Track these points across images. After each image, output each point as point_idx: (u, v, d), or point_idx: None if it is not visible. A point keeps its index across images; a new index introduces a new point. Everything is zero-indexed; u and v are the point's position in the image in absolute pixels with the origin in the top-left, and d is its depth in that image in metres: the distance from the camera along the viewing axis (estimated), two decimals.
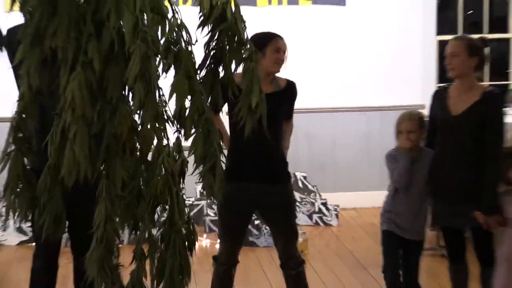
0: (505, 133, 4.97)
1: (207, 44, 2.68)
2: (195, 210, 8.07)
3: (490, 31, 9.67)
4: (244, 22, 2.57)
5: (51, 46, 2.34)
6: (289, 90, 5.36)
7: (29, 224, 7.80)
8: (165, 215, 2.60)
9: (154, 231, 2.58)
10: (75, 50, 2.29)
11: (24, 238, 8.13)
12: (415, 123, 5.14)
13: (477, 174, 4.74)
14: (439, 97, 5.07)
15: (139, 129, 2.47)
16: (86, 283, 5.61)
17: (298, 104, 5.40)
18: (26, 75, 2.38)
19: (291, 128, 5.61)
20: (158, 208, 2.58)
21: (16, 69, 3.19)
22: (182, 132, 2.54)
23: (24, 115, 2.48)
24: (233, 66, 2.71)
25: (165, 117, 2.49)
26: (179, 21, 2.52)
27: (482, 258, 4.97)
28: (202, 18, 2.58)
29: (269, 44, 4.78)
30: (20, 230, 8.19)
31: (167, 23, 2.45)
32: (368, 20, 9.04)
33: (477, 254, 5.01)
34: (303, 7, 9.00)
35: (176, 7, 2.54)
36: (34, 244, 6.14)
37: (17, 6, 2.44)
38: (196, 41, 2.58)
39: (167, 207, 2.57)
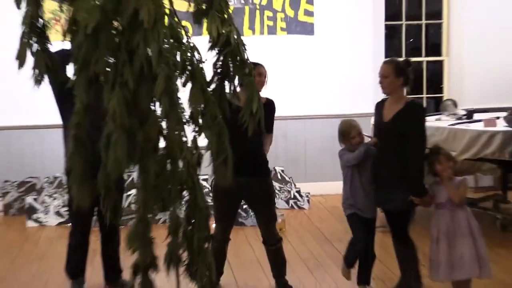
0: (425, 134, 5.01)
1: (214, 64, 2.73)
2: None
3: (427, 55, 9.73)
4: (244, 45, 2.62)
5: (94, 71, 2.39)
6: (269, 105, 5.45)
7: (66, 208, 7.83)
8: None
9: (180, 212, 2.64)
10: (113, 73, 2.34)
11: (62, 220, 8.10)
12: (359, 128, 5.37)
13: (402, 168, 4.82)
14: (378, 107, 5.19)
15: (164, 132, 2.54)
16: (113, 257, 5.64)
17: (277, 113, 5.50)
18: (78, 93, 2.42)
19: (271, 140, 5.69)
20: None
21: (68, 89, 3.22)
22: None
23: (79, 124, 2.51)
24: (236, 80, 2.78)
25: (184, 120, 2.54)
26: (192, 45, 2.57)
27: (398, 237, 5.11)
28: (211, 43, 2.63)
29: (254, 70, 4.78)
30: (58, 213, 8.15)
31: (183, 48, 2.50)
32: (331, 46, 9.05)
33: (394, 234, 5.17)
34: (280, 37, 9.02)
35: (189, 34, 2.60)
36: (69, 224, 6.15)
37: (68, 37, 2.49)
38: (206, 60, 2.64)
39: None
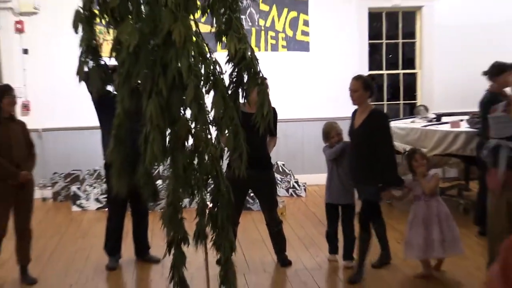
0: (391, 134, 5.07)
1: (230, 74, 2.76)
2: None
3: (403, 68, 9.75)
4: (257, 60, 2.64)
5: (135, 82, 2.44)
6: (273, 113, 5.53)
7: (104, 196, 7.89)
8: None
9: (206, 197, 2.68)
10: (150, 84, 2.38)
11: (100, 205, 8.17)
12: (339, 128, 5.54)
13: (371, 165, 4.84)
14: (353, 115, 5.15)
15: (193, 131, 2.59)
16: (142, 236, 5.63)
17: (279, 116, 5.56)
18: (121, 101, 2.47)
19: (275, 142, 5.77)
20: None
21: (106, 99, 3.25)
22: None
23: (120, 123, 2.55)
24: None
25: (209, 121, 2.59)
26: (214, 60, 2.61)
27: (364, 224, 5.04)
28: (228, 57, 2.65)
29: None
30: (97, 200, 8.21)
31: (207, 62, 2.54)
32: (324, 61, 9.06)
33: (362, 220, 5.09)
34: (281, 53, 9.07)
35: (212, 50, 2.64)
36: (107, 209, 6.21)
37: (113, 55, 2.54)
38: (225, 72, 2.68)
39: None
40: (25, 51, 8.73)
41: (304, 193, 8.67)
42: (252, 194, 7.03)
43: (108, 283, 5.55)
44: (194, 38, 2.48)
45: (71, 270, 5.88)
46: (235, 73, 2.69)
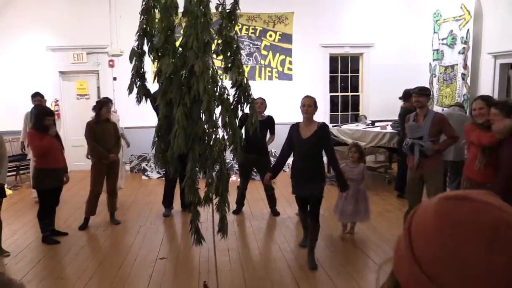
0: (332, 143, 4.53)
1: (233, 95, 2.69)
2: (231, 165, 8.01)
3: (351, 91, 9.65)
4: (249, 86, 2.59)
5: (170, 97, 2.38)
6: (270, 119, 5.64)
7: (163, 170, 7.83)
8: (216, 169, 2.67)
9: (213, 174, 2.62)
10: (179, 99, 2.33)
11: (159, 175, 8.07)
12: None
13: (316, 168, 4.04)
14: (295, 128, 4.14)
15: (206, 131, 2.53)
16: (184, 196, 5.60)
17: (277, 121, 5.47)
18: (161, 109, 2.42)
19: (273, 138, 5.77)
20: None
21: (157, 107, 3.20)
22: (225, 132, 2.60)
23: (160, 124, 2.51)
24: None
25: (218, 125, 2.53)
26: (223, 85, 2.54)
27: (314, 217, 4.13)
28: (231, 84, 2.59)
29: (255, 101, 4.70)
30: (158, 172, 8.17)
31: (218, 86, 2.48)
32: (301, 86, 8.96)
33: (311, 215, 4.17)
34: (275, 81, 8.96)
35: (221, 77, 2.57)
36: (164, 178, 6.17)
37: (156, 80, 2.49)
38: (229, 93, 2.60)
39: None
40: (114, 79, 8.76)
41: (288, 169, 8.51)
42: (255, 170, 7.01)
43: (165, 225, 5.54)
44: (210, 70, 2.43)
45: (141, 216, 5.86)
46: (237, 95, 2.61)
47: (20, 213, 6.00)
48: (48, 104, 7.57)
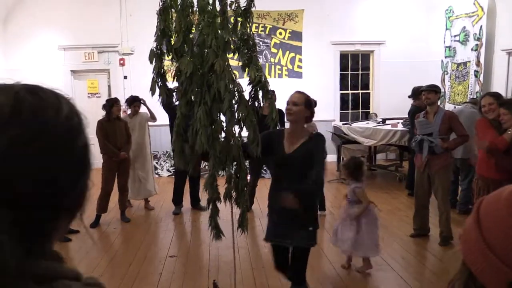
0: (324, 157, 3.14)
1: (249, 92, 2.67)
2: None
3: (362, 89, 9.59)
4: (268, 82, 2.58)
5: (190, 96, 2.39)
6: (281, 113, 5.42)
7: (172, 168, 7.86)
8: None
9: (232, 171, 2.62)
10: (200, 97, 2.34)
11: (170, 173, 8.12)
12: (315, 126, 4.93)
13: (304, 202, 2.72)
14: (276, 135, 2.89)
15: (225, 129, 2.54)
16: (195, 193, 5.60)
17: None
18: (179, 108, 2.42)
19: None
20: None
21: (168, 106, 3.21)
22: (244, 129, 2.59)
23: (179, 123, 2.51)
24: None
25: (239, 123, 2.54)
26: (240, 83, 2.54)
27: (297, 281, 3.04)
28: (249, 81, 2.58)
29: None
30: (168, 170, 8.21)
31: (235, 83, 2.47)
32: (311, 84, 8.89)
33: (293, 276, 3.08)
34: (285, 79, 8.95)
35: (238, 76, 2.57)
36: (174, 176, 6.19)
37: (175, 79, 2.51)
38: (245, 90, 2.59)
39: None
40: (125, 77, 8.82)
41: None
42: (265, 168, 7.00)
43: (174, 222, 5.56)
44: (230, 68, 2.44)
45: (152, 213, 5.90)
46: (253, 92, 2.60)
47: None
48: None
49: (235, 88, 2.42)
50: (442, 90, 7.46)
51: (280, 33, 8.92)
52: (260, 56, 8.85)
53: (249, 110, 2.41)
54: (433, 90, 4.49)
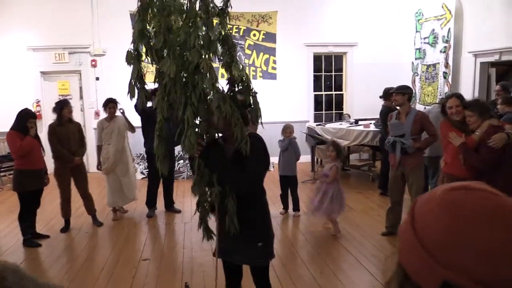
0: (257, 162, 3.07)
1: (228, 91, 2.63)
2: None
3: (335, 90, 9.69)
4: (250, 81, 2.57)
5: (173, 97, 2.35)
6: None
7: (146, 170, 7.71)
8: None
9: None
10: (185, 99, 2.31)
11: (143, 176, 7.82)
12: (292, 127, 5.58)
13: (249, 214, 2.21)
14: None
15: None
16: (169, 196, 5.47)
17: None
18: (161, 111, 2.38)
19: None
20: None
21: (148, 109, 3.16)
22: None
23: (161, 129, 2.46)
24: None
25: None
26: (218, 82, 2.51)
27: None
28: (232, 80, 2.54)
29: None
30: (142, 173, 8.00)
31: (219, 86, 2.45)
32: (285, 86, 9.03)
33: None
34: (259, 80, 8.90)
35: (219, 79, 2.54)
36: (147, 179, 6.10)
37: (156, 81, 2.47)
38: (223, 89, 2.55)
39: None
40: (97, 79, 8.65)
41: (272, 168, 8.50)
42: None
43: (148, 225, 5.50)
44: (216, 67, 2.44)
45: (125, 217, 5.82)
46: (231, 90, 2.56)
47: (1, 216, 5.90)
48: (29, 105, 7.46)
49: (221, 86, 2.41)
50: (413, 91, 7.61)
51: (254, 35, 8.95)
52: None
53: (234, 109, 2.38)
54: (400, 92, 4.59)
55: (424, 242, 0.64)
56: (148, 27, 2.43)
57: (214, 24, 2.47)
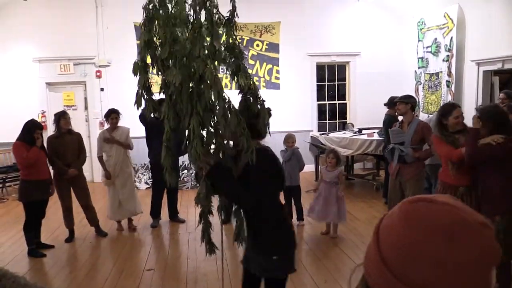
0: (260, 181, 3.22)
1: (240, 101, 2.65)
2: None
3: (339, 99, 9.72)
4: (258, 89, 2.56)
5: (179, 107, 2.37)
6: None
7: (150, 180, 7.72)
8: None
9: None
10: (190, 108, 2.32)
11: (148, 186, 7.87)
12: (294, 137, 5.53)
13: (258, 226, 2.48)
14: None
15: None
16: (173, 206, 5.44)
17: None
18: (168, 121, 2.40)
19: None
20: None
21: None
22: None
23: (168, 139, 2.46)
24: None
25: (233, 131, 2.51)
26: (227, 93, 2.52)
27: None
28: (240, 89, 2.54)
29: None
30: (146, 183, 8.04)
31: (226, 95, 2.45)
32: (289, 95, 9.06)
33: None
34: (262, 90, 8.86)
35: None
36: (152, 188, 6.11)
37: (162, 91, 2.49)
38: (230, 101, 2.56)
39: None
40: (102, 89, 8.72)
41: None
42: None
43: (152, 235, 5.50)
44: (222, 76, 2.45)
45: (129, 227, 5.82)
46: (243, 99, 2.56)
47: (6, 226, 5.93)
48: (35, 116, 7.53)
49: (227, 96, 2.42)
50: (417, 100, 7.62)
51: (257, 45, 9.01)
52: None
53: (240, 118, 2.38)
54: (403, 101, 4.60)
55: (384, 255, 0.64)
56: (154, 37, 2.45)
57: (224, 35, 2.49)
